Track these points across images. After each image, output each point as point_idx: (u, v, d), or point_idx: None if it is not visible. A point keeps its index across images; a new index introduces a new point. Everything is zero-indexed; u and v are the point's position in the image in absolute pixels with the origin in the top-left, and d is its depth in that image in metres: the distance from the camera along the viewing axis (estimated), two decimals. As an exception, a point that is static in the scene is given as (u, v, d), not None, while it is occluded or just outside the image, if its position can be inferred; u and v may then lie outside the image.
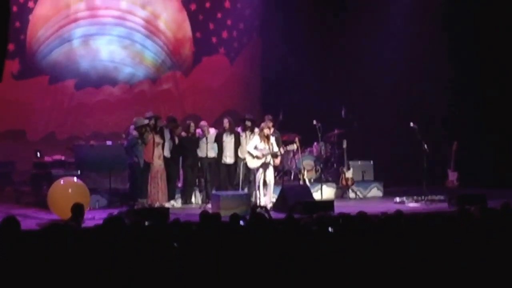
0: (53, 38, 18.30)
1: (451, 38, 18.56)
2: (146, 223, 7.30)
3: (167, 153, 14.93)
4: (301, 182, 15.80)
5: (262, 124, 14.63)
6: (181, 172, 15.46)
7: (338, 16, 19.32)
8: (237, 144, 15.34)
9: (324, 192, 15.96)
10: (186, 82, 19.89)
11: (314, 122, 15.99)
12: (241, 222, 7.62)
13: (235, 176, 15.41)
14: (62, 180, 13.22)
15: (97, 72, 18.83)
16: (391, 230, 7.46)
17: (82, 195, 12.62)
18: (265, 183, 14.44)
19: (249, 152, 14.44)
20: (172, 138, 15.03)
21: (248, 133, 15.27)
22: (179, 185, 15.52)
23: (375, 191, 17.22)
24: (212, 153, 15.25)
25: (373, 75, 18.87)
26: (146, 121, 14.45)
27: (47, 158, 15.64)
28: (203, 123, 15.39)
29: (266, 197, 14.36)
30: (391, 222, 7.86)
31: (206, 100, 19.87)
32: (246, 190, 14.86)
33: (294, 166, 17.04)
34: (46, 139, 18.07)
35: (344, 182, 16.69)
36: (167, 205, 14.41)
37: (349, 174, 16.68)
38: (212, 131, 15.39)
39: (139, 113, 15.47)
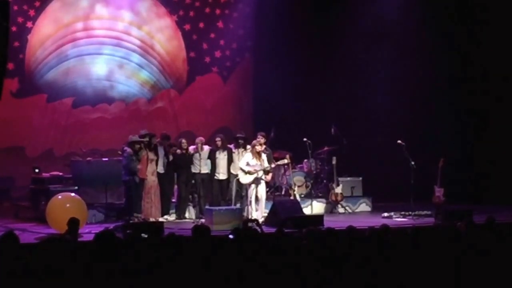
0: (51, 57, 18.55)
1: (439, 55, 18.89)
2: (143, 235, 7.57)
3: (161, 169, 15.19)
4: (291, 198, 15.90)
5: (254, 141, 14.87)
6: (175, 188, 15.70)
7: (329, 36, 19.59)
8: (230, 160, 15.59)
9: (314, 207, 16.24)
10: (180, 100, 20.06)
11: (304, 139, 16.19)
12: (231, 236, 7.70)
13: (227, 192, 15.64)
14: (60, 196, 13.32)
15: (94, 91, 19.04)
16: (378, 243, 7.54)
17: (79, 210, 12.75)
18: (257, 199, 14.67)
19: (241, 168, 14.70)
20: (166, 155, 15.30)
21: (240, 150, 15.53)
22: (173, 200, 15.75)
23: (363, 206, 17.43)
24: (206, 169, 15.47)
25: (362, 94, 19.17)
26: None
27: (45, 174, 15.74)
28: (199, 139, 15.61)
29: (258, 212, 14.54)
30: (378, 236, 8.07)
31: (199, 118, 20.03)
32: (238, 205, 15.00)
33: (285, 182, 17.17)
34: (44, 156, 18.24)
35: (333, 198, 16.82)
36: (161, 219, 14.69)
37: (338, 189, 16.80)
38: (206, 148, 15.60)
39: (134, 130, 15.69)
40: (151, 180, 14.92)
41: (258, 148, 14.73)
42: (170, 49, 19.96)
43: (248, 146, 15.27)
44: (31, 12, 18.39)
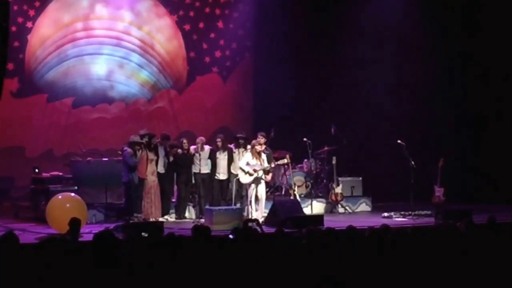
0: (51, 58, 18.55)
1: (439, 56, 18.97)
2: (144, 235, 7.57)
3: (161, 169, 15.21)
4: (291, 198, 15.95)
5: (254, 141, 14.90)
6: (175, 188, 15.71)
7: (330, 36, 19.64)
8: (230, 160, 15.63)
9: (314, 207, 16.26)
10: (180, 100, 20.07)
11: (304, 139, 16.22)
12: (231, 236, 7.70)
13: (228, 192, 15.69)
14: (60, 196, 13.34)
15: (94, 91, 19.04)
16: (378, 243, 7.50)
17: (79, 210, 12.77)
18: (257, 198, 14.68)
19: (241, 168, 14.72)
20: (166, 155, 15.32)
21: (240, 150, 15.54)
22: (173, 200, 15.77)
23: (363, 206, 17.47)
24: (206, 169, 15.53)
25: (362, 94, 19.25)
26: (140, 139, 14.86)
27: (45, 174, 15.76)
28: (199, 139, 15.63)
29: (258, 212, 14.57)
30: (378, 236, 8.06)
31: (199, 118, 20.04)
32: (238, 205, 15.04)
33: (285, 182, 17.21)
34: (44, 156, 18.24)
35: (333, 198, 16.84)
36: (161, 219, 14.73)
37: (338, 189, 16.83)
38: (206, 148, 15.64)
39: (134, 130, 15.73)
40: (151, 180, 14.94)
41: (258, 148, 14.75)
42: (170, 49, 19.97)
43: (248, 146, 15.27)
44: (31, 12, 18.39)
